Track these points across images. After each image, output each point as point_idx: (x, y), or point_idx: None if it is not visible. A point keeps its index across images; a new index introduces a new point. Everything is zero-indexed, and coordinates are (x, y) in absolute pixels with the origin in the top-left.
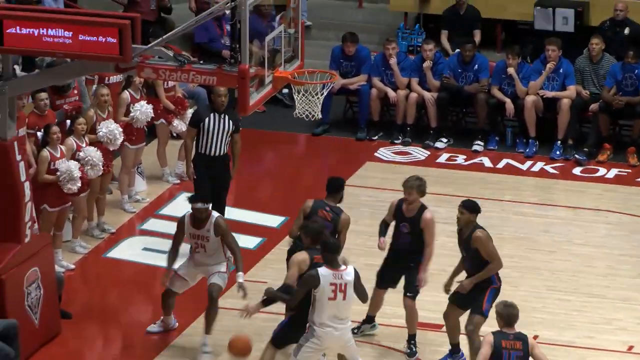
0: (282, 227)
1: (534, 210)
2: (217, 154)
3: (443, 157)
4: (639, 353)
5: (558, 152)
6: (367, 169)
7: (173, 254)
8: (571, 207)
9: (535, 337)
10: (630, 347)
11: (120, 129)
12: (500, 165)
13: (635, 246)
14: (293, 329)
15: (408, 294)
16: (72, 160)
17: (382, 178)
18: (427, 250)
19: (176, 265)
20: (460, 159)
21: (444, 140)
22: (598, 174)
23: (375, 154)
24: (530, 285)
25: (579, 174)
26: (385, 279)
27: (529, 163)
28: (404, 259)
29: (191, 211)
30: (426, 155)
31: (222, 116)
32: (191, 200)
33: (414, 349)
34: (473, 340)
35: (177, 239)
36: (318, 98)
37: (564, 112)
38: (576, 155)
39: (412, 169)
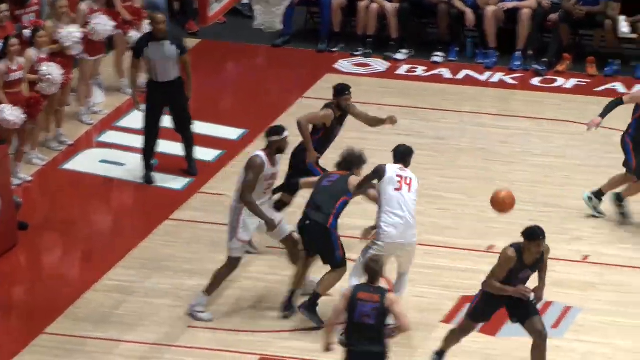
0: (242, 140)
1: (492, 121)
2: (166, 79)
3: (403, 69)
4: (594, 262)
5: (517, 63)
6: (327, 81)
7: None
8: (530, 118)
9: (492, 246)
10: (586, 257)
11: (81, 33)
12: (460, 76)
13: (592, 156)
14: None
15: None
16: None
17: None
18: None
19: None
20: (420, 70)
21: (405, 51)
22: (557, 84)
23: (336, 65)
24: (488, 195)
25: (538, 84)
26: None
27: (488, 74)
28: None
29: (268, 148)
30: (386, 67)
31: (162, 43)
32: (271, 133)
33: None
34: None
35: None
36: (278, 9)
37: (524, 22)
38: (535, 66)
39: (372, 81)
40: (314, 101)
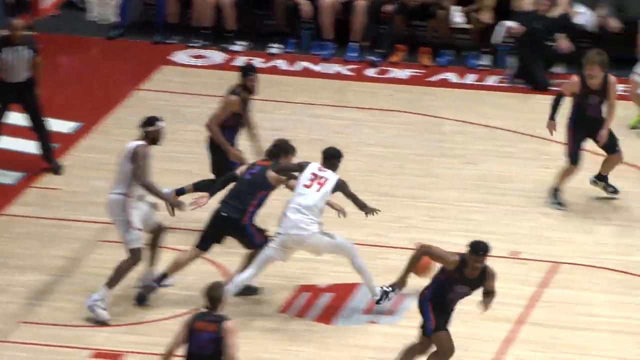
0: (77, 133)
1: (328, 112)
2: (19, 80)
3: (240, 61)
4: None
5: (353, 54)
6: (163, 72)
7: None
8: (364, 109)
9: None
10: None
11: None
12: (297, 67)
13: (424, 145)
14: None
15: (616, 150)
16: None
17: (178, 82)
18: (611, 110)
19: None
20: (257, 61)
21: (242, 43)
22: (391, 75)
23: (171, 57)
24: None
25: (373, 75)
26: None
27: (324, 65)
28: (594, 127)
29: (144, 138)
30: (223, 59)
31: (17, 48)
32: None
33: None
34: None
35: None
36: (112, 1)
37: (358, 13)
38: (370, 57)
39: (209, 72)
40: (149, 93)
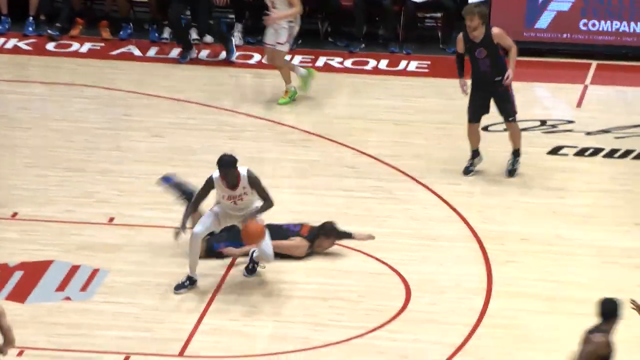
0: None
1: (9, 87)
2: None
3: None
4: (119, 224)
5: (31, 29)
6: None
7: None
8: (47, 83)
9: (15, 214)
10: (111, 219)
11: None
12: None
13: (111, 119)
14: None
15: (509, 120)
16: None
17: None
18: (513, 50)
19: None
20: None
21: None
22: (72, 49)
23: None
24: (9, 162)
25: (53, 49)
26: (476, 111)
27: (2, 40)
28: (489, 84)
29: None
30: None
31: None
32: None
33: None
34: None
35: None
36: None
37: None
38: (49, 31)
39: None
40: None
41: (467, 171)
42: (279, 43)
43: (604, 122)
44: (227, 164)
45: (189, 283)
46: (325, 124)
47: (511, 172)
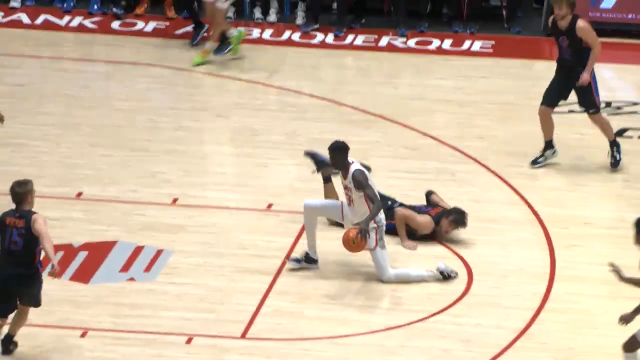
0: None
1: (74, 66)
2: None
3: None
4: (183, 205)
5: (96, 7)
6: None
7: None
8: (110, 62)
9: (80, 193)
10: (175, 199)
11: None
12: (39, 21)
13: (175, 98)
14: None
15: (590, 112)
16: None
17: None
18: (594, 51)
19: None
20: None
21: None
22: (136, 28)
23: None
24: (73, 141)
25: (118, 27)
26: (552, 95)
27: (67, 18)
28: (570, 69)
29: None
30: None
31: None
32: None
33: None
34: None
35: None
36: None
37: None
38: (114, 9)
39: None
40: None
41: (535, 162)
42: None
43: None
44: (332, 148)
45: (304, 260)
46: (388, 104)
47: (613, 164)
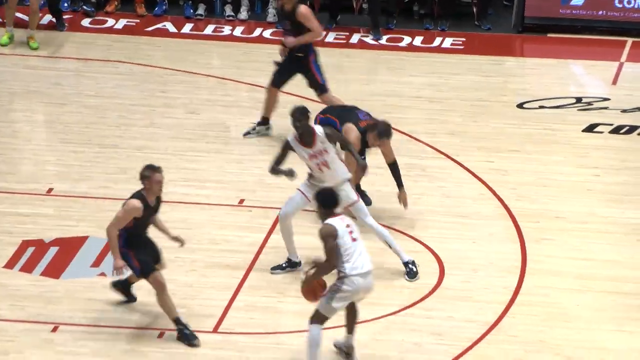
0: None
1: (45, 63)
2: None
3: None
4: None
5: (66, 4)
6: None
7: None
8: (81, 59)
9: (50, 190)
10: None
11: None
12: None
13: (147, 96)
14: None
15: (318, 93)
16: None
17: None
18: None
19: None
20: None
21: None
22: (107, 25)
23: None
24: (43, 138)
25: (89, 25)
26: (280, 78)
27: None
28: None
29: None
30: None
31: None
32: None
33: None
34: None
35: None
36: None
37: None
38: (85, 7)
39: None
40: None
41: (247, 134)
42: None
43: None
44: (299, 113)
45: (287, 265)
46: (360, 101)
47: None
